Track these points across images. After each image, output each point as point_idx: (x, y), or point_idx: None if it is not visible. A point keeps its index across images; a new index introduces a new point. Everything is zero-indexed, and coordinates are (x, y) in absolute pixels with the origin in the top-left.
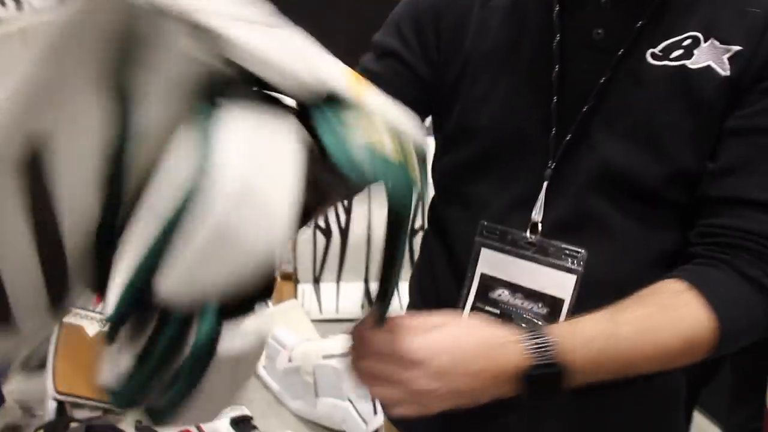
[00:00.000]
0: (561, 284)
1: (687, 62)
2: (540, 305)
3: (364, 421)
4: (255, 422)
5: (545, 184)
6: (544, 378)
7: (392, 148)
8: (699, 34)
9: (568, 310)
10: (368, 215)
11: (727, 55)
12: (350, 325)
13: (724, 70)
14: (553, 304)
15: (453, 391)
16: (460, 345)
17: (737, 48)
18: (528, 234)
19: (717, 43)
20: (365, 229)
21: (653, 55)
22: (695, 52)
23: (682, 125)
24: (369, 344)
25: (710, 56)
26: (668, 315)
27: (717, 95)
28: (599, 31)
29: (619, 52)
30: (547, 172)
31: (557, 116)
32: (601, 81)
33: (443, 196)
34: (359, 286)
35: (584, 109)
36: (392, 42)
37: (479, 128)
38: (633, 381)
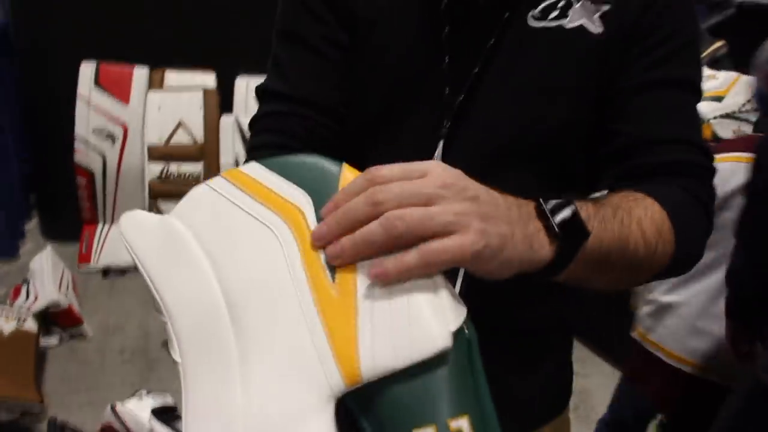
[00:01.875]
0: None
1: (563, 22)
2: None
3: None
4: (179, 412)
5: (441, 143)
6: (564, 215)
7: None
8: None
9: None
10: None
11: (598, 14)
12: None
13: (596, 27)
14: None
15: (481, 191)
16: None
17: (606, 7)
18: None
19: (588, 2)
20: None
21: (533, 17)
22: (569, 12)
23: (565, 82)
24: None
25: (583, 15)
26: (637, 201)
27: (591, 52)
28: None
29: (505, 15)
30: (442, 131)
31: (450, 76)
32: (491, 42)
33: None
34: None
35: (475, 70)
36: (306, 22)
37: (374, 88)
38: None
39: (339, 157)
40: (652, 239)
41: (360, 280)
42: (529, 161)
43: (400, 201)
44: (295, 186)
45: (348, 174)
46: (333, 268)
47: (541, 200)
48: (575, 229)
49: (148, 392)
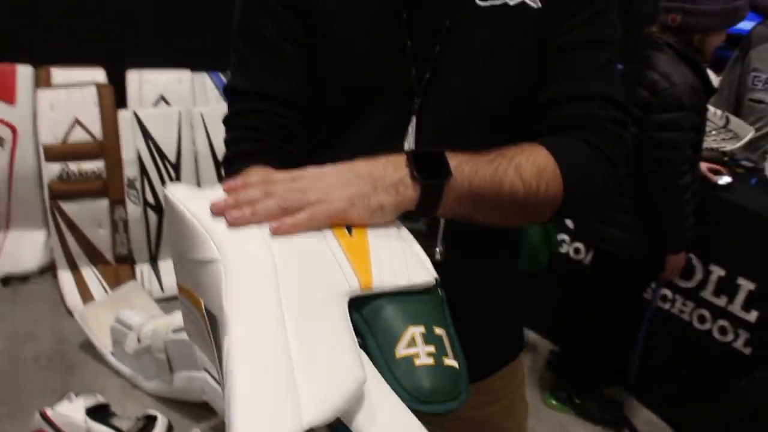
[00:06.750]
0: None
1: (507, 0)
2: (421, 222)
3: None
4: (112, 408)
5: (414, 118)
6: (429, 160)
7: (426, 349)
8: None
9: (443, 225)
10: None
11: None
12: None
13: (535, 3)
14: (431, 222)
15: (344, 172)
16: (342, 165)
17: None
18: None
19: None
20: None
21: None
22: None
23: (513, 52)
24: (244, 182)
25: None
26: (524, 149)
27: (532, 25)
28: None
29: None
30: (413, 107)
31: (414, 59)
32: (447, 24)
33: (314, 133)
34: None
35: (436, 50)
36: (263, 19)
37: (341, 78)
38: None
39: (307, 146)
40: (531, 180)
41: (370, 236)
42: (489, 125)
43: (285, 193)
44: None
45: None
46: (350, 229)
47: (412, 152)
48: (438, 170)
49: (77, 394)
